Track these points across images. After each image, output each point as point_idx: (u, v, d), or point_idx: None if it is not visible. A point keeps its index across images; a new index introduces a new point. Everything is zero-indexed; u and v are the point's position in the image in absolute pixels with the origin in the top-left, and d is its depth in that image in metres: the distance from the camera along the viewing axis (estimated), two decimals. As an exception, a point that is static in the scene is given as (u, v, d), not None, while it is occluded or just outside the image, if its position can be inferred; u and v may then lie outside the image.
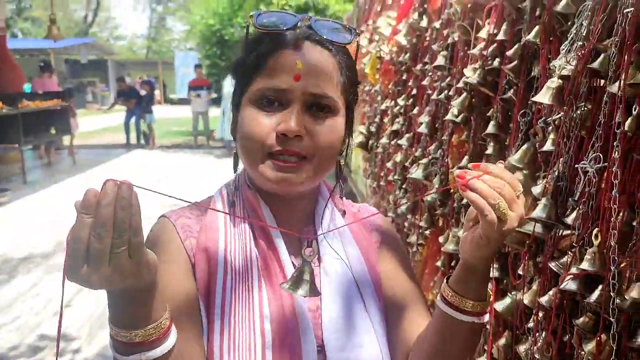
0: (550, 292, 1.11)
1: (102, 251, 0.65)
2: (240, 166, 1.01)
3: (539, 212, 1.14)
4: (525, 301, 1.24)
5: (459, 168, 1.78)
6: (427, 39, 2.45)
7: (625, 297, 0.93)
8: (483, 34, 1.70)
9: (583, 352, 1.02)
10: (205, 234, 0.94)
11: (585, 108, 1.12)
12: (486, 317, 0.91)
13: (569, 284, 1.04)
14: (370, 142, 3.65)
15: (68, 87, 16.28)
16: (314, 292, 0.85)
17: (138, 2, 43.17)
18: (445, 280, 0.92)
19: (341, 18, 9.47)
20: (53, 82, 12.51)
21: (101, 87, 28.29)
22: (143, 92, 13.85)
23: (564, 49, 1.17)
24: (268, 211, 0.97)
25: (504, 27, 1.56)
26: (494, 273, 1.51)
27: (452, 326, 0.89)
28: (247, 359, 0.85)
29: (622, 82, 0.93)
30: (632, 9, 0.93)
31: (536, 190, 1.20)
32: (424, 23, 2.49)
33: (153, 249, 0.76)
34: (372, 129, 3.60)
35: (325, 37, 0.91)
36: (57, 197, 8.43)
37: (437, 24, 2.26)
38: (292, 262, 0.95)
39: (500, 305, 1.41)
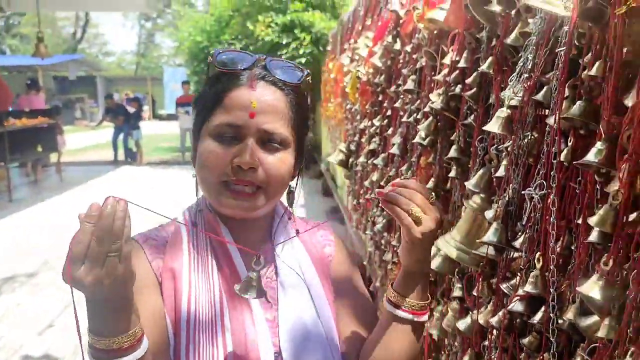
0: (500, 313, 1.16)
1: (100, 253, 0.75)
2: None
3: (490, 235, 1.20)
4: (481, 321, 1.29)
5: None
6: (400, 62, 2.52)
7: (564, 318, 0.98)
8: (447, 60, 1.77)
9: (530, 370, 1.07)
10: (171, 255, 1.02)
11: (532, 137, 1.18)
12: (425, 317, 1.03)
13: (516, 305, 1.09)
14: (351, 160, 3.71)
15: (55, 104, 16.24)
16: (261, 293, 0.95)
17: (127, 19, 43.25)
18: (390, 285, 1.04)
19: (326, 35, 9.58)
20: (40, 99, 12.50)
21: (90, 103, 28.26)
22: (132, 110, 13.88)
23: (512, 80, 1.23)
24: (227, 232, 1.05)
25: (464, 55, 1.63)
26: (456, 292, 1.57)
27: (395, 324, 1.01)
28: None
29: (557, 115, 0.99)
30: (564, 47, 0.99)
31: (489, 214, 1.25)
32: (397, 46, 2.56)
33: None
34: (352, 147, 3.66)
35: (278, 77, 1.00)
36: (44, 215, 8.41)
37: (408, 48, 2.33)
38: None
39: (462, 324, 1.47)
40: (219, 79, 1.01)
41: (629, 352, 0.76)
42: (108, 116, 13.75)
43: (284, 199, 1.11)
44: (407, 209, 0.92)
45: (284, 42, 10.57)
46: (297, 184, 1.10)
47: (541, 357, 1.03)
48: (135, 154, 13.65)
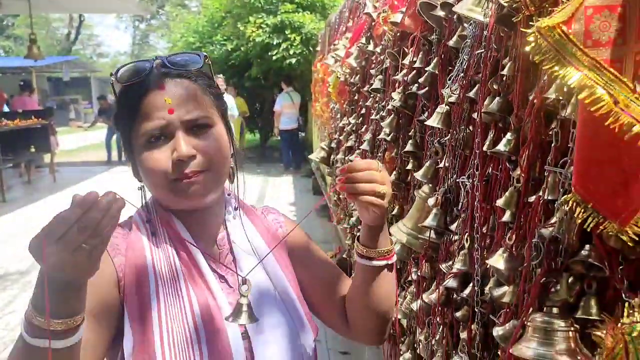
0: (438, 290, 1.28)
1: (76, 240, 0.75)
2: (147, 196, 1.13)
3: (430, 220, 1.32)
4: (425, 300, 1.41)
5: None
6: (373, 62, 2.63)
7: (486, 290, 1.10)
8: (406, 61, 1.89)
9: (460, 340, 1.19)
10: (133, 251, 1.06)
11: (468, 131, 1.30)
12: (394, 257, 1.14)
13: (450, 282, 1.21)
14: (332, 157, 3.83)
15: (49, 105, 16.32)
16: (253, 319, 0.99)
17: (121, 20, 43.25)
18: (356, 241, 1.15)
19: (316, 36, 9.68)
20: (33, 100, 12.57)
21: (84, 105, 28.27)
22: None
23: (451, 79, 1.35)
24: (182, 227, 1.09)
25: (420, 56, 1.75)
26: (413, 276, 1.69)
27: (372, 274, 1.12)
28: (185, 351, 0.98)
29: (479, 110, 1.11)
30: (482, 50, 1.11)
31: (430, 201, 1.37)
32: (370, 47, 2.68)
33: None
34: (333, 144, 3.78)
35: (181, 69, 1.06)
36: (36, 215, 8.50)
37: (378, 49, 2.44)
38: (210, 267, 1.09)
39: (415, 305, 1.59)
40: (126, 93, 1.05)
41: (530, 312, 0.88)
42: (101, 117, 13.83)
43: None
44: (373, 192, 0.99)
45: (274, 43, 10.67)
46: (235, 158, 1.13)
47: (469, 328, 1.15)
48: None
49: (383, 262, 1.12)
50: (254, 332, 1.05)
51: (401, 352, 2.16)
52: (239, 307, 0.98)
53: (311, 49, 10.49)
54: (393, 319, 1.21)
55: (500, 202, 0.97)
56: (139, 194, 1.11)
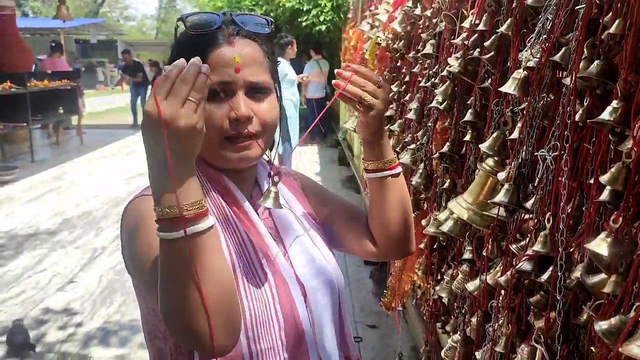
0: (508, 272, 1.17)
1: (182, 90, 0.81)
2: None
3: (501, 196, 1.20)
4: (489, 281, 1.30)
5: (440, 154, 1.84)
6: (421, 27, 2.49)
7: (572, 277, 0.99)
8: (466, 24, 1.75)
9: (535, 328, 1.09)
10: None
11: (548, 99, 1.17)
12: (399, 167, 1.23)
13: (525, 265, 1.10)
14: (368, 127, 3.70)
15: (77, 67, 16.35)
16: (278, 204, 1.08)
17: (148, -17, 43.01)
18: (362, 159, 1.23)
19: (348, 2, 9.45)
20: (63, 62, 12.58)
21: (110, 68, 28.35)
22: (151, 74, 13.88)
23: (530, 42, 1.22)
24: (231, 182, 1.13)
25: (484, 18, 1.61)
26: (466, 255, 1.58)
27: (383, 185, 1.22)
28: (263, 300, 1.04)
29: (574, 74, 0.98)
30: (584, 5, 0.98)
31: (501, 175, 1.26)
32: (417, 11, 2.53)
33: (145, 221, 0.95)
34: (370, 114, 3.65)
35: (251, 31, 1.08)
36: (64, 175, 8.56)
37: (428, 12, 2.30)
38: (259, 217, 1.14)
39: (471, 286, 1.48)
40: (194, 42, 1.05)
41: (634, 307, 0.77)
42: (126, 74, 13.70)
43: None
44: (361, 95, 1.07)
45: (304, 9, 10.46)
46: (279, 128, 1.17)
47: (547, 315, 1.05)
48: None
49: (390, 172, 1.21)
50: (304, 280, 1.12)
51: (443, 331, 2.07)
52: (268, 192, 1.07)
53: (342, 16, 10.27)
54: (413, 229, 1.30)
55: (604, 179, 0.85)
56: None
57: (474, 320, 1.56)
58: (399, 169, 1.23)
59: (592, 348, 0.91)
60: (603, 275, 0.87)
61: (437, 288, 1.92)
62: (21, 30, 11.90)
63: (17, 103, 9.05)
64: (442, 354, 1.68)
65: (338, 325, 1.19)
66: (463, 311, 1.72)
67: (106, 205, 6.86)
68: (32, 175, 8.48)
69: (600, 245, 0.82)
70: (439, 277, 2.07)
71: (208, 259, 0.84)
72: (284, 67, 7.88)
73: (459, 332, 1.68)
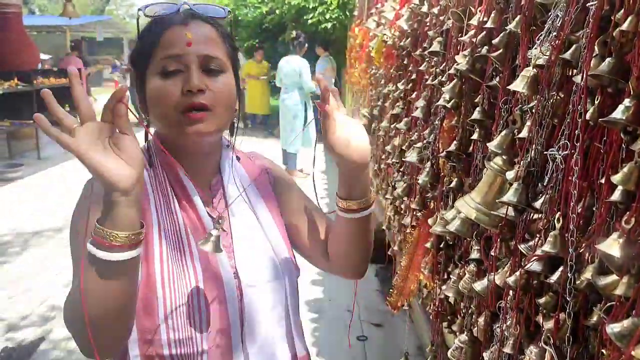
0: (517, 273, 1.16)
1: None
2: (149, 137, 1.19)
3: (510, 196, 1.19)
4: (497, 281, 1.29)
5: (447, 153, 1.82)
6: (427, 24, 2.47)
7: (582, 278, 0.98)
8: (474, 21, 1.73)
9: (544, 330, 1.07)
10: None
11: (558, 97, 1.16)
12: (373, 205, 1.20)
13: (534, 265, 1.09)
14: (373, 125, 3.69)
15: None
16: (218, 249, 1.08)
17: (154, -20, 43.02)
18: (336, 195, 1.20)
19: (354, 0, 9.42)
20: (78, 61, 12.68)
21: (110, 69, 28.34)
22: None
23: (540, 39, 1.20)
24: (182, 170, 1.16)
25: (492, 15, 1.59)
26: (473, 254, 1.57)
27: (354, 225, 1.20)
28: (184, 291, 1.08)
29: (585, 72, 0.97)
30: (595, 2, 0.96)
31: (510, 175, 1.24)
32: (424, 8, 2.51)
33: (89, 203, 1.03)
34: (375, 112, 3.64)
35: (206, 14, 1.14)
36: (70, 172, 8.58)
37: (435, 10, 2.28)
38: (207, 212, 1.18)
39: (479, 285, 1.47)
40: (150, 26, 1.13)
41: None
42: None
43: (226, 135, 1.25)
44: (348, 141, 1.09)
45: (310, 6, 10.43)
46: (239, 112, 1.22)
47: (557, 317, 1.03)
48: None
49: (365, 213, 1.19)
50: (244, 274, 1.16)
51: (449, 331, 2.06)
52: (209, 236, 1.08)
53: (347, 13, 10.24)
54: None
55: (616, 179, 0.83)
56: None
57: (481, 320, 1.55)
58: (372, 207, 1.21)
59: (604, 351, 0.89)
60: (614, 277, 0.86)
61: (444, 287, 1.90)
62: (27, 27, 11.95)
63: (23, 100, 9.08)
64: (449, 354, 1.67)
65: (284, 323, 1.22)
66: (470, 311, 1.70)
67: (112, 202, 6.86)
68: (38, 172, 8.50)
69: (612, 246, 0.81)
70: (445, 277, 2.06)
71: (114, 283, 0.91)
72: (303, 66, 7.94)
73: (465, 332, 1.66)
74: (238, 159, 1.30)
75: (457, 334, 1.80)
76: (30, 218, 6.31)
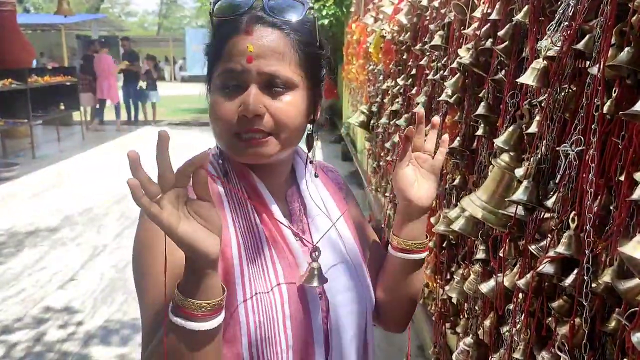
0: (528, 275, 1.10)
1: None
2: None
3: (520, 194, 1.13)
4: (506, 283, 1.23)
5: (450, 149, 1.77)
6: (427, 18, 2.41)
7: (599, 281, 0.92)
8: (477, 13, 1.68)
9: (558, 335, 1.02)
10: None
11: (570, 90, 1.10)
12: (420, 255, 1.10)
13: (546, 267, 1.03)
14: (372, 121, 3.63)
15: (76, 63, 16.30)
16: (323, 281, 0.99)
17: (149, -22, 42.94)
18: (391, 233, 1.12)
19: (351, -4, 9.35)
20: (109, 58, 12.89)
21: (113, 63, 28.22)
22: (146, 67, 13.77)
23: (550, 30, 1.15)
24: (259, 181, 1.04)
25: (497, 6, 1.54)
26: (479, 254, 1.51)
27: (407, 267, 1.11)
28: (270, 315, 0.95)
29: (602, 63, 0.91)
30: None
31: (519, 172, 1.19)
32: (424, 2, 2.46)
33: (154, 242, 0.91)
34: (374, 108, 3.58)
35: (276, 17, 0.97)
36: (65, 172, 8.50)
37: (436, 3, 2.22)
38: (287, 226, 1.04)
39: (485, 287, 1.41)
40: (218, 28, 1.00)
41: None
42: (128, 60, 13.57)
43: (302, 143, 1.10)
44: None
45: (307, 3, 10.36)
46: (315, 126, 1.08)
47: (572, 322, 0.98)
48: (137, 114, 13.67)
49: (414, 256, 1.10)
50: (330, 294, 1.03)
51: (452, 332, 2.01)
52: (312, 271, 0.99)
53: (344, 10, 10.17)
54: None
55: (639, 176, 0.78)
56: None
57: (487, 322, 1.49)
58: (425, 254, 1.12)
59: (625, 359, 0.84)
60: (637, 281, 0.80)
61: (447, 288, 1.85)
62: (22, 26, 11.86)
63: (17, 99, 8.99)
64: (454, 357, 1.61)
65: (362, 351, 1.08)
66: (475, 313, 1.65)
67: (108, 202, 6.79)
68: (33, 172, 8.42)
69: (637, 249, 0.75)
70: (448, 277, 2.00)
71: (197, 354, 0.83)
72: None
73: (471, 335, 1.61)
74: (316, 174, 1.17)
75: (461, 336, 1.75)
76: (25, 218, 6.24)
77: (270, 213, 1.02)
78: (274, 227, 1.02)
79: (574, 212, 0.98)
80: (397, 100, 2.88)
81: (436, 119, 1.09)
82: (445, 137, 1.13)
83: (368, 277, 1.12)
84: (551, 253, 1.04)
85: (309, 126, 1.06)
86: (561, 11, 1.13)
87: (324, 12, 10.26)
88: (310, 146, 1.10)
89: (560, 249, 0.98)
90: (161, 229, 0.75)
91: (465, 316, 1.79)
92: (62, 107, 10.99)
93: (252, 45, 0.93)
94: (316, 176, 1.15)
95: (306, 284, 0.98)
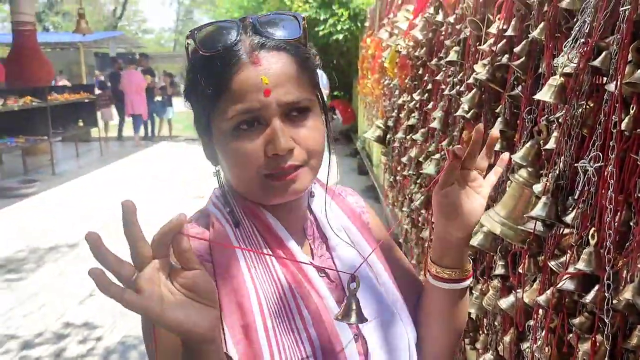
0: (548, 292, 1.10)
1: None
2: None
3: (538, 210, 1.14)
4: (526, 299, 1.23)
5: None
6: (443, 33, 2.43)
7: (620, 297, 0.92)
8: (493, 29, 1.69)
9: (580, 352, 1.02)
10: (222, 254, 0.91)
11: (587, 106, 1.11)
12: (467, 282, 0.98)
13: (567, 284, 1.03)
14: (388, 136, 3.64)
15: (99, 80, 16.58)
16: (362, 318, 0.88)
17: (166, -4, 43.59)
18: (430, 261, 0.99)
19: (365, 11, 9.42)
20: (138, 74, 13.09)
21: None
22: (162, 84, 13.97)
23: (566, 46, 1.15)
24: (273, 218, 0.95)
25: (513, 22, 1.55)
26: (498, 270, 1.51)
27: (449, 297, 0.98)
28: None
29: (619, 80, 0.92)
30: (629, 6, 0.92)
31: (537, 188, 1.19)
32: (439, 17, 2.48)
33: None
34: (390, 123, 3.59)
35: (277, 38, 0.87)
36: (84, 187, 8.61)
37: (451, 19, 2.24)
38: (308, 261, 0.94)
39: (504, 303, 1.41)
40: (211, 64, 0.86)
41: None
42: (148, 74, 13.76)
43: None
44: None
45: (321, 18, 10.45)
46: (330, 144, 1.00)
47: (593, 339, 0.97)
48: (153, 130, 13.79)
49: (456, 286, 0.97)
50: (367, 333, 0.92)
51: (471, 348, 1.99)
52: (349, 305, 0.87)
53: (359, 24, 10.24)
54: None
55: (659, 194, 0.78)
56: (215, 179, 0.97)
57: (507, 339, 1.49)
58: (469, 282, 0.99)
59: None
60: (659, 298, 0.80)
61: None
62: (42, 44, 12.10)
63: (37, 116, 9.16)
64: (474, 373, 1.60)
65: None
66: (494, 328, 1.64)
67: (126, 217, 6.86)
68: (53, 188, 8.54)
69: (657, 266, 0.76)
70: (467, 292, 2.00)
71: None
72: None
73: (491, 351, 1.60)
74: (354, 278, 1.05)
75: (481, 352, 1.74)
76: (45, 234, 6.32)
77: (287, 250, 0.93)
78: (296, 268, 0.92)
79: (593, 229, 0.99)
80: (413, 115, 2.90)
81: (495, 133, 0.97)
82: (506, 155, 0.99)
83: (407, 309, 1.01)
84: (571, 269, 1.04)
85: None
86: (577, 28, 1.14)
87: (338, 27, 10.33)
88: (329, 166, 1.01)
89: (581, 265, 0.99)
90: (142, 316, 0.67)
91: (485, 332, 1.78)
92: (81, 124, 11.16)
93: (265, 77, 0.83)
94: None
95: (343, 321, 0.87)
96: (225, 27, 0.86)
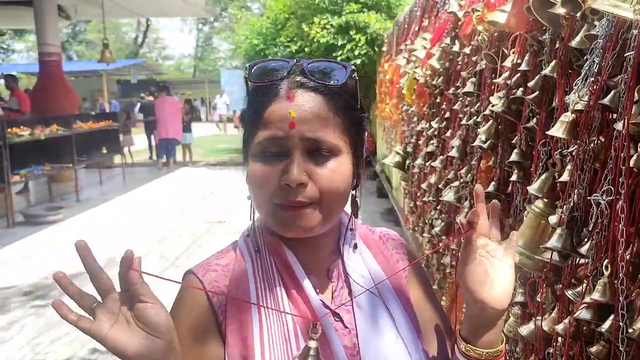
0: (566, 320, 1.14)
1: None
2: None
3: (554, 241, 1.18)
4: (545, 328, 1.27)
5: (486, 194, 1.82)
6: (459, 64, 2.50)
7: (634, 327, 0.96)
8: (508, 63, 1.75)
9: (597, 380, 1.05)
10: (236, 289, 0.95)
11: (599, 141, 1.16)
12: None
13: (583, 313, 1.08)
14: (407, 161, 3.70)
15: (124, 108, 16.98)
16: None
17: (185, 23, 44.51)
18: (459, 335, 0.95)
19: (382, 36, 9.54)
20: (173, 99, 13.48)
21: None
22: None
23: (577, 84, 1.21)
24: (292, 255, 0.97)
25: (526, 57, 1.61)
26: (518, 297, 1.55)
27: None
28: None
29: (626, 119, 0.97)
30: (633, 52, 0.97)
31: (553, 220, 1.24)
32: (456, 48, 2.55)
33: (178, 311, 0.92)
34: (409, 149, 3.65)
35: (318, 81, 0.91)
36: (108, 214, 8.76)
37: (467, 50, 2.31)
38: (323, 304, 0.94)
39: (525, 330, 1.45)
40: (256, 93, 0.94)
41: None
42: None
43: (348, 207, 1.01)
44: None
45: (339, 44, 10.60)
46: (359, 192, 1.00)
47: (610, 367, 1.01)
48: (169, 155, 14.00)
49: None
50: None
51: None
52: (307, 351, 0.87)
53: (376, 49, 10.36)
54: None
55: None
56: (248, 203, 0.98)
57: (528, 365, 1.52)
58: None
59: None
60: (670, 328, 0.84)
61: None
62: (66, 73, 12.45)
63: (63, 144, 9.38)
64: (496, 399, 1.63)
65: None
66: (516, 355, 1.67)
67: (149, 243, 6.97)
68: (78, 215, 8.70)
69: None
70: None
71: None
72: None
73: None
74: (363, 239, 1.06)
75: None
76: (71, 260, 6.40)
77: (302, 290, 0.94)
78: (306, 306, 0.93)
79: (607, 260, 1.03)
80: (431, 142, 2.96)
81: (496, 203, 0.94)
82: (515, 234, 0.97)
83: (427, 351, 0.98)
84: (587, 299, 1.08)
85: (352, 191, 0.98)
86: (587, 67, 1.20)
87: (356, 52, 10.46)
88: (355, 213, 1.02)
89: (596, 295, 1.03)
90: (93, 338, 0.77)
91: (506, 359, 1.81)
92: (105, 151, 11.40)
93: (294, 111, 0.88)
94: (355, 247, 1.03)
95: None
96: (277, 65, 0.94)
